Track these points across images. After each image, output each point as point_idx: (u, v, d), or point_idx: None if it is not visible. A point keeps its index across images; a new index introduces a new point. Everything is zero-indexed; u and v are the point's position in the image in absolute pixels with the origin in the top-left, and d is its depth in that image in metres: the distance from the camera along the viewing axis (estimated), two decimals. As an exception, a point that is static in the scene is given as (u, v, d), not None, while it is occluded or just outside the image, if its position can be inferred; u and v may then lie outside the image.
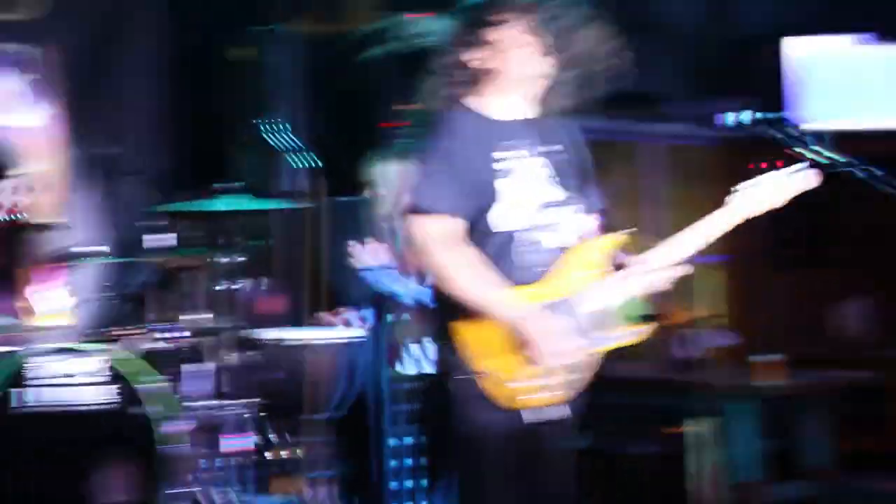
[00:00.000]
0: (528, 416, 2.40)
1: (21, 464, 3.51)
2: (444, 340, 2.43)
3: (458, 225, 2.38)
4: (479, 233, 2.40)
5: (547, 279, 2.43)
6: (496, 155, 2.42)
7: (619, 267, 2.58)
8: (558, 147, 2.54)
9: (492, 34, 2.43)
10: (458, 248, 2.35)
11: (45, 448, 3.55)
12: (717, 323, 5.77)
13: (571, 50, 2.49)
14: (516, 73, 2.43)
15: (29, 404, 3.46)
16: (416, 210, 2.39)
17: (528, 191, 2.45)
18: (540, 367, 2.34)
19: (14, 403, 3.41)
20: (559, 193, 2.48)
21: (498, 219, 2.38)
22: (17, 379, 3.47)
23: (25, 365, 3.54)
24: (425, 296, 3.85)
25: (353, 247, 4.25)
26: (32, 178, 4.12)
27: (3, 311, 3.94)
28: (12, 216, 3.97)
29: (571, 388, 2.44)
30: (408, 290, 4.20)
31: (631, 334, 2.61)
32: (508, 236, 2.39)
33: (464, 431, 2.40)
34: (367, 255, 4.22)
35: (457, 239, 2.37)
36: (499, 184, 2.41)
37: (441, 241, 2.35)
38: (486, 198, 2.38)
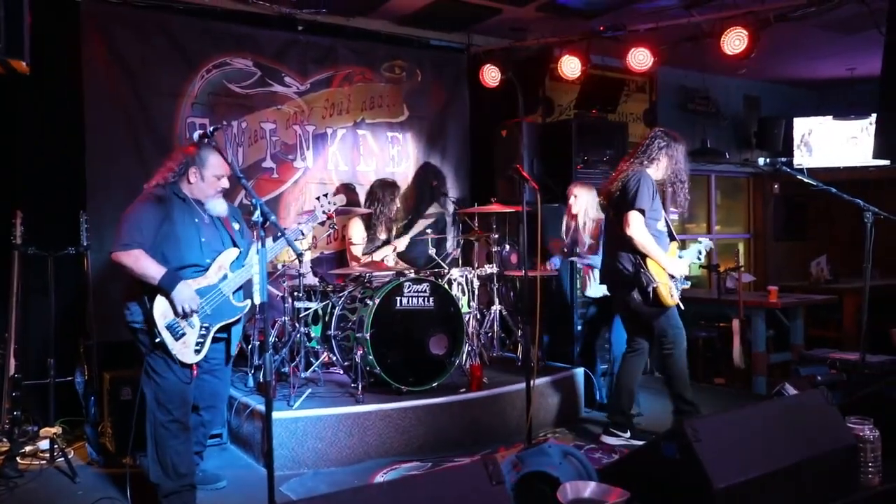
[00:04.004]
0: (669, 303, 4.00)
1: (399, 333, 4.48)
2: (640, 269, 3.88)
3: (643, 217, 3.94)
4: (656, 230, 3.99)
5: (668, 251, 4.06)
6: (658, 196, 4.03)
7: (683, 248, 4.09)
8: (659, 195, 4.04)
9: (671, 154, 4.07)
10: (645, 229, 3.92)
11: (409, 326, 4.51)
12: (745, 269, 6.82)
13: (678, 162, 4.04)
14: (668, 168, 4.05)
15: (402, 305, 4.50)
16: (637, 209, 3.90)
17: (664, 214, 4.11)
18: (672, 282, 3.97)
19: (396, 306, 4.47)
20: (665, 216, 4.14)
21: (659, 225, 4.03)
22: (397, 292, 4.46)
23: (399, 285, 4.51)
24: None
25: (551, 240, 5.15)
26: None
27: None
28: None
29: (678, 293, 4.08)
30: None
31: (683, 283, 4.08)
32: (662, 232, 4.04)
33: (646, 305, 4.01)
34: (552, 245, 5.28)
35: (644, 224, 3.92)
36: (661, 210, 4.03)
37: (642, 224, 3.90)
38: (659, 213, 4.03)
